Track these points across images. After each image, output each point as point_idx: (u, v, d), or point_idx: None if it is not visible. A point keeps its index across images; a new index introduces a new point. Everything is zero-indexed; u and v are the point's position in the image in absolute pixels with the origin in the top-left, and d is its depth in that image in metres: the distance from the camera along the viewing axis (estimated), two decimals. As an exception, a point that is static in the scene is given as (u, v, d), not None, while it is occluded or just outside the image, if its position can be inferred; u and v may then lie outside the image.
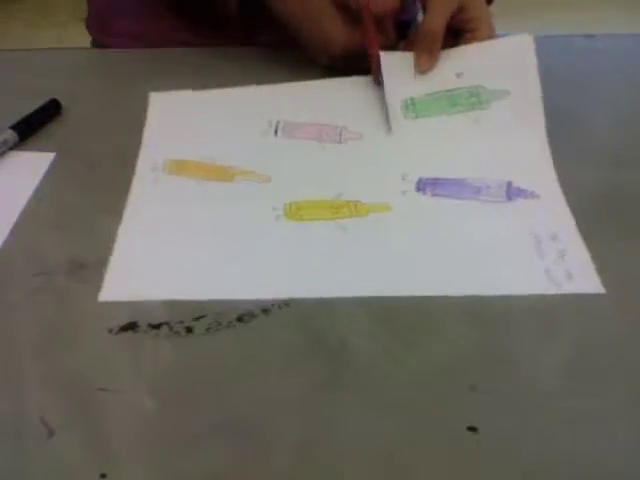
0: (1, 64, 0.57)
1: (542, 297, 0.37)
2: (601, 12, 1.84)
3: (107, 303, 0.37)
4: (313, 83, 0.51)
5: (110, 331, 0.36)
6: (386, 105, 0.48)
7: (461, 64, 0.49)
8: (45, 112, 0.50)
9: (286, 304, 0.37)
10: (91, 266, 0.39)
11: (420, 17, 0.63)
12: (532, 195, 0.42)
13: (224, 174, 0.44)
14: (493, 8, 0.52)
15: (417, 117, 0.48)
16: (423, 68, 0.48)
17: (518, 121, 0.47)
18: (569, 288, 0.37)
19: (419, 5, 0.50)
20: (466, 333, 0.36)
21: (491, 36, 0.49)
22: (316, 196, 0.42)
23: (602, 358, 0.35)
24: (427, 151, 0.46)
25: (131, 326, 0.36)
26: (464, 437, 0.31)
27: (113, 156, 0.47)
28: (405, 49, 0.50)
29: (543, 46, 0.48)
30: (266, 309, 0.37)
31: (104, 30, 0.64)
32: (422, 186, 0.43)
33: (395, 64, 0.49)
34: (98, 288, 0.38)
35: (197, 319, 0.36)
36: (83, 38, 0.68)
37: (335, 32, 0.49)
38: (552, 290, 0.37)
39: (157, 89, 0.51)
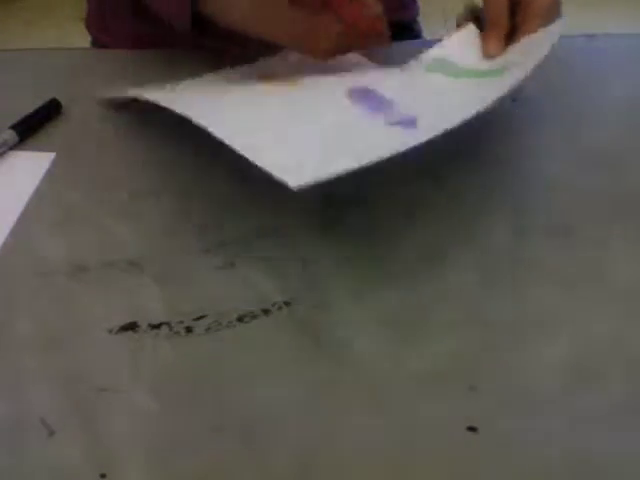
0: (1, 64, 0.57)
1: (542, 297, 0.37)
2: (601, 12, 1.84)
3: (107, 303, 0.37)
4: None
5: (110, 331, 0.36)
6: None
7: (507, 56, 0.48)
8: (45, 112, 0.50)
9: (286, 304, 0.37)
10: (91, 266, 0.39)
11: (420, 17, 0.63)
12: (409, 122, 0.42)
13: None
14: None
15: (430, 72, 0.48)
16: (494, 53, 0.48)
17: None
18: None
19: (419, 5, 0.50)
20: (466, 333, 0.36)
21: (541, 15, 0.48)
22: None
23: (602, 358, 0.35)
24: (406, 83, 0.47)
25: (131, 326, 0.36)
26: (464, 437, 0.31)
27: (113, 156, 0.47)
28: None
29: (543, 46, 0.48)
30: (266, 309, 0.37)
31: (104, 30, 0.64)
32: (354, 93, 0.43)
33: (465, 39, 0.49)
34: (98, 288, 0.38)
35: (197, 319, 0.36)
36: (83, 38, 0.68)
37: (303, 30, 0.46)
38: None
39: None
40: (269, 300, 0.37)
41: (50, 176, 0.46)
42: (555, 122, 0.47)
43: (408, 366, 0.34)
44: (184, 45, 0.57)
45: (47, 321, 0.37)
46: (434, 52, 0.49)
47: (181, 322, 0.36)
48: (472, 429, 0.32)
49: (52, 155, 0.47)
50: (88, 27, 0.66)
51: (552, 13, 0.48)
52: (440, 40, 0.50)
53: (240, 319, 0.36)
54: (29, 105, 0.50)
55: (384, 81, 0.46)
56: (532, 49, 0.46)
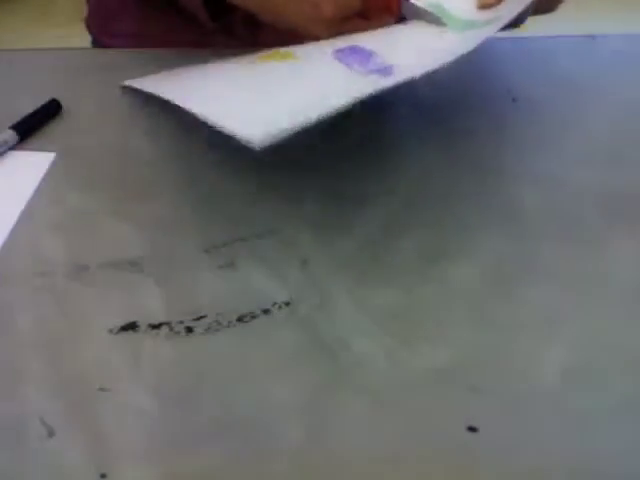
0: (1, 64, 0.57)
1: (542, 297, 0.37)
2: (601, 12, 1.84)
3: (107, 303, 0.37)
4: None
5: (110, 331, 0.36)
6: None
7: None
8: (45, 112, 0.50)
9: (286, 304, 0.37)
10: (91, 266, 0.39)
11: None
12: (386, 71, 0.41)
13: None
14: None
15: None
16: (489, 2, 0.47)
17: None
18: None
19: None
20: (466, 333, 0.36)
21: None
22: None
23: (602, 358, 0.35)
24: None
25: (131, 326, 0.36)
26: (464, 437, 0.31)
27: (113, 156, 0.47)
28: None
29: (543, 46, 0.48)
30: (266, 309, 0.37)
31: (104, 30, 0.64)
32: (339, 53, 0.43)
33: None
34: (98, 288, 0.38)
35: (197, 319, 0.36)
36: (83, 38, 0.68)
37: None
38: None
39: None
40: (269, 300, 0.37)
41: (50, 176, 0.45)
42: (555, 122, 0.47)
43: (408, 366, 0.34)
44: (184, 45, 0.57)
45: (47, 321, 0.37)
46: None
47: (181, 322, 0.36)
48: (472, 429, 0.32)
49: (52, 155, 0.47)
50: (88, 27, 0.66)
51: None
52: None
53: (240, 319, 0.36)
54: (29, 105, 0.50)
55: (370, 35, 0.46)
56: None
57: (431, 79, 0.38)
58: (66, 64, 0.56)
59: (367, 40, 0.45)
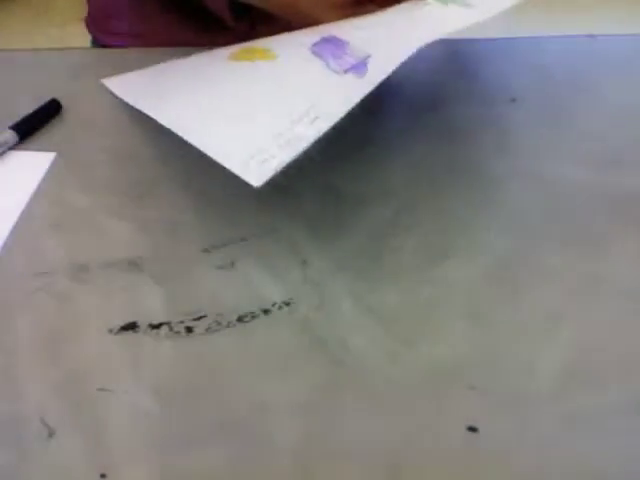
0: (1, 64, 0.57)
1: (542, 297, 0.37)
2: (601, 12, 1.84)
3: (107, 303, 0.37)
4: None
5: (110, 331, 0.36)
6: None
7: None
8: (45, 112, 0.50)
9: (286, 304, 0.37)
10: (91, 266, 0.39)
11: None
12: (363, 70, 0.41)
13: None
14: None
15: None
16: None
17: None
18: None
19: None
20: (466, 333, 0.36)
21: None
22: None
23: (602, 358, 0.35)
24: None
25: (131, 326, 0.36)
26: (464, 437, 0.31)
27: (113, 156, 0.47)
28: None
29: (543, 46, 0.48)
30: (266, 309, 0.37)
31: (104, 30, 0.64)
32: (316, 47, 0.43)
33: None
34: (98, 288, 0.38)
35: (197, 319, 0.36)
36: (83, 38, 0.68)
37: None
38: None
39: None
40: (269, 300, 0.37)
41: (50, 176, 0.46)
42: (554, 122, 0.47)
43: (408, 366, 0.34)
44: (184, 45, 0.57)
45: (47, 321, 0.37)
46: None
47: (181, 322, 0.36)
48: (472, 429, 0.32)
49: (52, 155, 0.47)
50: (88, 27, 0.66)
51: None
52: None
53: (240, 319, 0.36)
54: (29, 105, 0.50)
55: (345, 23, 0.46)
56: None
57: (431, 79, 0.38)
58: (66, 64, 0.56)
59: (343, 30, 0.44)
